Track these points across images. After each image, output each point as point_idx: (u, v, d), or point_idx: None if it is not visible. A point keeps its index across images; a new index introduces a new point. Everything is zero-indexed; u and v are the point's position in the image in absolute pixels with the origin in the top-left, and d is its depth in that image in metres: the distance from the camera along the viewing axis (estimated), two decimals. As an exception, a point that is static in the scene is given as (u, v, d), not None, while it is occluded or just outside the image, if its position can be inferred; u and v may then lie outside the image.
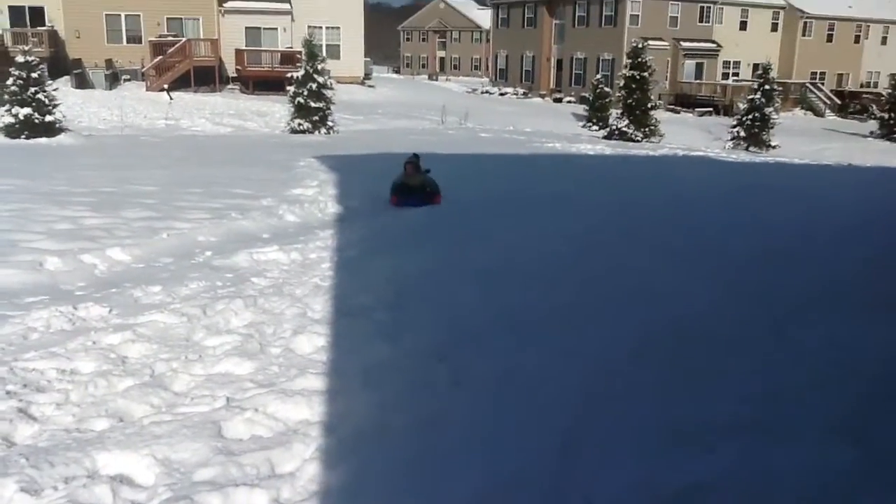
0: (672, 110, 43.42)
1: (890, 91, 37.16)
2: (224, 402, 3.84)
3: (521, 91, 51.90)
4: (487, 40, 65.40)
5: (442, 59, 79.51)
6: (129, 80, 36.21)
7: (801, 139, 33.04)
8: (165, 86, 33.67)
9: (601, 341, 4.71)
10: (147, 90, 34.04)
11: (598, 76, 37.08)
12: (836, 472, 3.15)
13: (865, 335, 4.78)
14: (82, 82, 34.34)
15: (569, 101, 46.52)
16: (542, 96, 50.43)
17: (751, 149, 28.51)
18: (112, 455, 3.24)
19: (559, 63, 51.12)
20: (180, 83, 35.00)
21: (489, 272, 6.38)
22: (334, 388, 4.01)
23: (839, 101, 46.99)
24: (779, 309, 5.40)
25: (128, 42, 37.65)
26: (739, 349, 4.62)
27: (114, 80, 35.61)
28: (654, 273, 6.40)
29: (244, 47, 37.92)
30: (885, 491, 3.01)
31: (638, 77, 29.44)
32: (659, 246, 7.49)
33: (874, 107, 41.55)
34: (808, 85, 47.81)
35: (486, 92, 52.65)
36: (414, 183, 10.35)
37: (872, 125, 38.27)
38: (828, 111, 45.95)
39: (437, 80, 65.43)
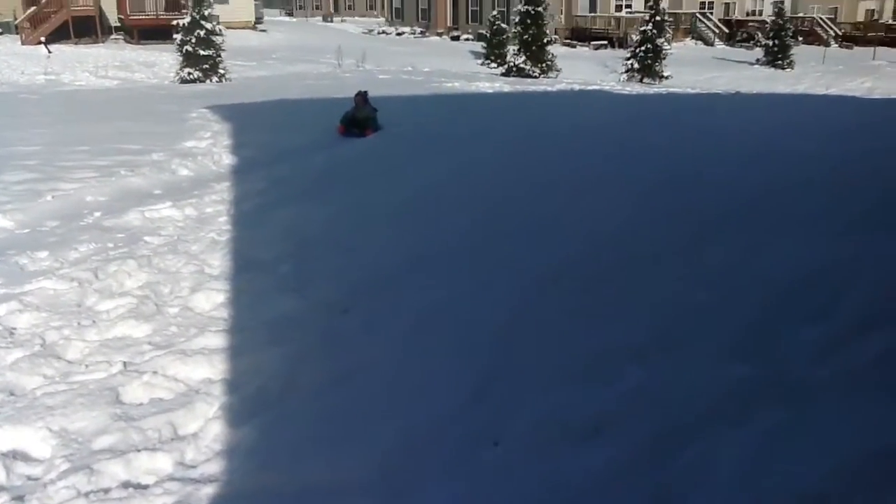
0: (568, 45, 43.77)
1: (773, 18, 38.38)
2: (121, 366, 3.75)
3: (418, 30, 51.23)
4: (382, -21, 63.99)
5: (336, -1, 77.45)
6: (1, 33, 33.93)
7: (693, 68, 33.91)
8: (42, 39, 31.77)
9: (508, 278, 4.78)
10: (22, 44, 32.02)
11: (494, 13, 36.73)
12: (733, 390, 3.32)
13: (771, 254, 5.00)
14: (-52, 38, 31.98)
15: (466, 39, 46.21)
16: (440, 34, 49.90)
17: (645, 80, 29.07)
18: (3, 431, 3.14)
19: (455, 1, 50.59)
20: (59, 35, 33.09)
21: (392, 215, 6.37)
22: (236, 346, 3.97)
23: (727, 30, 48.22)
24: (686, 232, 5.57)
25: (-5, -8, 35.15)
26: (645, 274, 4.78)
27: (-17, 34, 33.30)
28: (558, 208, 6.51)
29: (125, -6, 35.95)
30: (778, 404, 3.17)
31: (533, 12, 29.37)
32: (562, 179, 7.61)
33: (759, 35, 42.90)
34: (697, 15, 48.80)
35: (383, 32, 51.74)
36: (360, 116, 11.41)
37: (758, 53, 39.54)
38: (717, 40, 47.11)
39: (332, 21, 63.73)
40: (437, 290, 4.62)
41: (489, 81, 22.32)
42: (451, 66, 31.20)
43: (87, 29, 34.45)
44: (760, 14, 50.62)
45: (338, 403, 3.37)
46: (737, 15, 51.56)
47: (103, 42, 34.89)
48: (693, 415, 3.13)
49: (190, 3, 22.55)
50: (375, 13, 67.84)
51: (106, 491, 2.75)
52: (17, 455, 3.00)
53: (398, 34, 50.80)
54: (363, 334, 4.09)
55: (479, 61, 34.89)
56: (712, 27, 47.99)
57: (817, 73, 33.65)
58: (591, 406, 3.24)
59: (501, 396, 3.37)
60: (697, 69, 34.18)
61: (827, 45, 44.57)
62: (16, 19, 33.44)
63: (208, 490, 2.79)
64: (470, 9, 49.16)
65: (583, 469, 2.81)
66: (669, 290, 4.50)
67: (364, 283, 4.83)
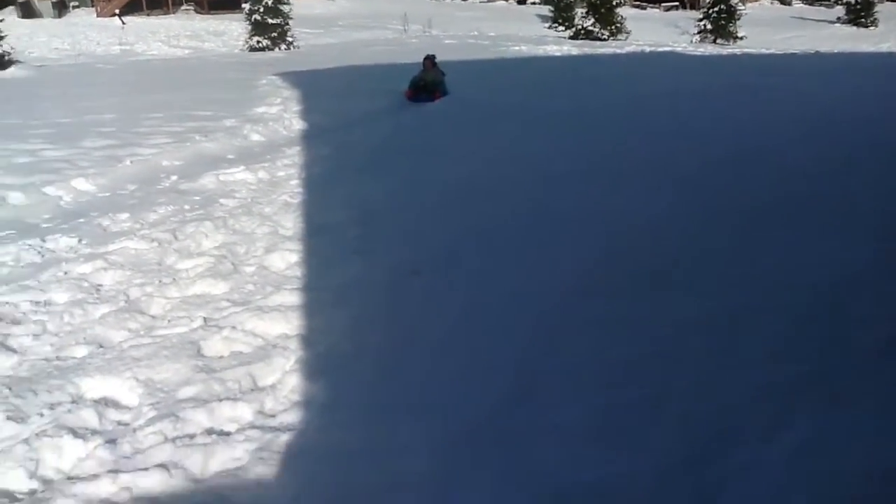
0: (638, 6, 42.75)
1: (856, -25, 36.75)
2: (201, 322, 3.88)
3: (484, -5, 50.69)
4: (447, -57, 63.17)
5: (401, -35, 76.99)
6: (77, 6, 34.96)
7: (769, 29, 32.78)
8: (117, 11, 32.59)
9: (559, 260, 4.61)
10: (98, 16, 32.93)
11: (562, -25, 36.07)
12: (780, 392, 3.20)
13: (822, 251, 4.76)
14: (28, 11, 33.08)
15: (533, 3, 45.59)
16: (506, -1, 49.29)
17: (718, 41, 28.26)
18: (94, 380, 3.28)
19: (521, -37, 49.79)
20: (132, 7, 33.88)
21: (456, 187, 6.38)
22: (310, 304, 4.06)
23: (806, -12, 46.41)
24: (737, 221, 5.32)
25: (73, -34, 36.14)
26: (692, 266, 4.61)
27: (62, 7, 34.34)
28: (615, 188, 6.39)
29: (195, -36, 36.52)
30: (828, 407, 3.06)
31: (602, -26, 28.79)
32: (622, 157, 7.47)
33: (841, -9, 41.19)
34: (774, -27, 47.06)
35: (449, -2, 51.34)
36: (428, 79, 11.43)
37: (839, 11, 37.95)
38: (794, -1, 45.41)
39: (397, -12, 63.47)
40: (489, 268, 4.57)
41: (557, 45, 22.04)
42: (518, 30, 30.84)
43: (158, 0, 35.13)
44: (842, -30, 48.46)
45: (399, 368, 3.42)
46: (816, -28, 49.40)
47: (174, 13, 35.60)
48: (738, 417, 3.02)
49: (258, -28, 22.76)
50: (441, -22, 67.22)
51: (191, 437, 2.87)
52: (107, 402, 3.15)
53: (464, -1, 50.39)
54: (421, 303, 4.11)
55: (547, 25, 34.45)
56: (790, -15, 46.19)
57: (902, 31, 32.14)
58: (633, 407, 3.15)
59: (544, 392, 3.30)
60: (774, 29, 33.03)
61: (913, 1, 42.44)
62: (92, -8, 34.34)
63: (286, 438, 2.88)
64: (536, -29, 48.34)
65: (627, 473, 2.74)
66: (723, 282, 4.33)
67: (427, 251, 4.86)
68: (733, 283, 4.20)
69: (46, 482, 2.64)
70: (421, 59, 11.89)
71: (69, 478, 2.66)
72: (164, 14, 35.05)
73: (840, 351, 3.44)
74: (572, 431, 2.95)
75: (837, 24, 35.84)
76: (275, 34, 22.62)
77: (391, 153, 7.94)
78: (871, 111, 9.28)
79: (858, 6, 35.57)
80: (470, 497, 2.59)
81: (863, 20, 35.20)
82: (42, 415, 3.01)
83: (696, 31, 29.54)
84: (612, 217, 5.42)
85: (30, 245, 4.95)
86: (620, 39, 27.83)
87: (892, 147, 7.15)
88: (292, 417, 3.05)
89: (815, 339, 3.60)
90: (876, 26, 34.61)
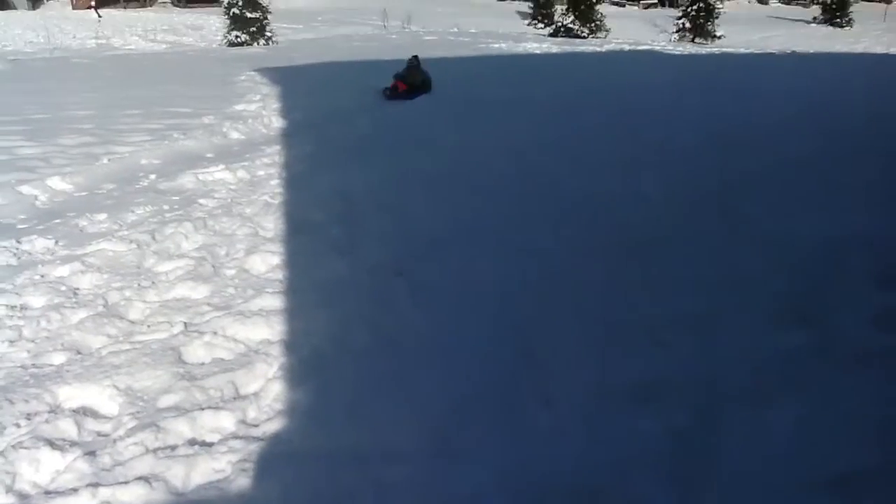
0: (617, 4, 42.95)
1: (832, -25, 37.08)
2: (182, 327, 3.81)
3: (463, -10, 50.60)
4: (426, -62, 62.97)
5: (380, -40, 76.64)
6: (52, -3, 34.45)
7: (746, 27, 33.04)
8: (93, 3, 32.14)
9: (549, 246, 4.74)
10: (73, 8, 32.51)
11: (542, -29, 36.09)
12: (787, 357, 3.26)
13: (819, 222, 4.90)
14: (1, 3, 32.55)
15: (513, -1, 45.57)
16: (486, -5, 49.21)
17: (696, 40, 28.40)
18: (73, 388, 3.22)
19: (501, -41, 49.74)
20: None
21: (435, 181, 6.36)
22: (293, 307, 4.00)
23: (782, -13, 46.77)
24: (730, 195, 5.47)
25: (47, -43, 35.60)
26: (692, 239, 4.71)
27: (35, -2, 33.86)
28: (603, 172, 6.44)
29: (172, -43, 36.14)
30: (834, 370, 3.13)
31: (581, -29, 28.83)
32: (607, 147, 7.51)
33: (817, -9, 41.55)
34: (751, -29, 47.37)
35: (428, -7, 51.22)
36: (412, 80, 11.42)
37: (815, 10, 38.29)
38: (771, -2, 45.75)
39: (376, -18, 63.15)
40: (479, 257, 4.61)
41: (537, 42, 22.02)
42: (498, 26, 30.81)
43: (135, -8, 34.76)
44: (818, -30, 48.87)
45: (388, 367, 3.39)
46: (793, -29, 49.79)
47: (151, 6, 35.19)
48: (746, 381, 3.09)
49: (236, -34, 22.53)
50: (420, -27, 66.99)
51: (173, 448, 2.81)
52: (86, 412, 3.08)
53: (443, -5, 50.26)
54: (409, 298, 4.09)
55: (526, 21, 34.44)
56: (767, -16, 46.53)
57: (877, 32, 32.52)
58: (639, 371, 3.22)
59: (548, 361, 3.35)
60: (751, 28, 33.30)
61: (888, 1, 42.93)
62: (66, -16, 33.87)
63: (270, 449, 2.84)
64: (516, -32, 48.33)
65: (634, 433, 2.80)
66: (717, 256, 4.43)
67: (410, 248, 4.84)
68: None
69: (23, 497, 2.58)
70: (401, 56, 11.84)
71: (47, 492, 2.60)
72: (142, 7, 34.66)
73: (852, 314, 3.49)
74: (584, 394, 2.96)
75: (813, 24, 36.18)
76: (254, 29, 22.40)
77: (372, 148, 7.89)
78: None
79: (834, 6, 35.90)
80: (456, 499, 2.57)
81: (838, 20, 35.54)
82: (19, 425, 2.94)
83: (674, 30, 29.69)
84: (602, 200, 5.46)
85: (5, 247, 4.84)
86: (600, 37, 27.90)
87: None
88: (276, 426, 3.00)
89: (823, 302, 3.65)
90: (851, 26, 34.96)
